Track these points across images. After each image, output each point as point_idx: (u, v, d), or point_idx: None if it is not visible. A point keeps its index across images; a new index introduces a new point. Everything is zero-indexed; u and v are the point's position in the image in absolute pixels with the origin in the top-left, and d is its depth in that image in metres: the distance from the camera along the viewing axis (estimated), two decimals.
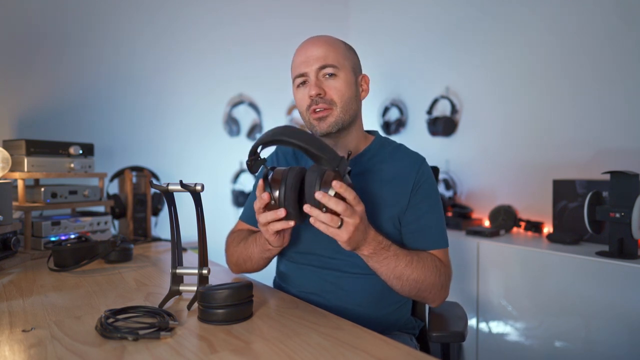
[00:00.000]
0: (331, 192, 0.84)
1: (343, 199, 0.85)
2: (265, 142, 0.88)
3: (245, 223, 1.24)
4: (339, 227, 0.86)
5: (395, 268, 0.98)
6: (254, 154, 0.90)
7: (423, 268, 1.00)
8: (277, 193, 0.88)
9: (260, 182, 0.91)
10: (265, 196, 0.89)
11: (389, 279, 1.00)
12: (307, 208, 0.85)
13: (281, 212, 0.88)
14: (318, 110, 1.05)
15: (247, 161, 0.91)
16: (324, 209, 0.85)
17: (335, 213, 0.85)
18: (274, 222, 0.91)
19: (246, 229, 1.23)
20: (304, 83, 1.08)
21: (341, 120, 1.06)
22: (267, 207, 0.90)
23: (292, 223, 0.90)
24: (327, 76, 1.05)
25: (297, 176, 0.88)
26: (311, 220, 0.86)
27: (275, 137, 0.87)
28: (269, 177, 0.90)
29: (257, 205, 0.91)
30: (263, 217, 0.91)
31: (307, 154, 0.87)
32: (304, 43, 1.10)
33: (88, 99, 2.06)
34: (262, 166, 0.93)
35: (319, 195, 0.83)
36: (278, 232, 0.96)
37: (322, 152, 0.85)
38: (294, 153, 1.21)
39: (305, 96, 1.07)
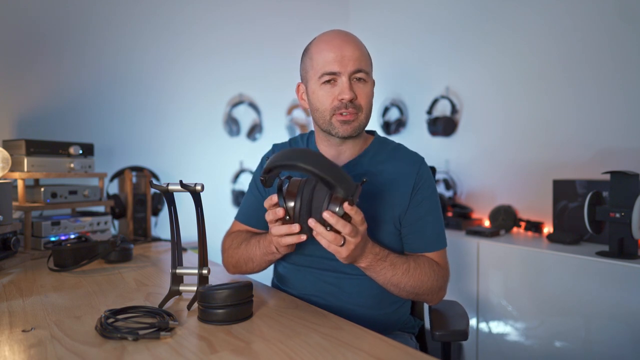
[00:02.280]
0: (340, 212, 0.83)
1: (349, 218, 0.85)
2: (281, 166, 0.85)
3: (241, 224, 1.22)
4: (341, 245, 0.86)
5: (392, 277, 0.99)
6: (268, 172, 0.87)
7: (420, 274, 1.01)
8: (291, 204, 0.87)
9: (275, 197, 0.89)
10: (280, 212, 0.88)
11: (386, 286, 1.01)
12: (312, 223, 0.85)
13: (295, 228, 0.87)
14: (345, 113, 1.02)
15: (261, 177, 0.88)
16: (329, 227, 0.85)
17: (338, 231, 0.85)
18: (286, 238, 0.90)
19: (244, 229, 1.21)
20: (330, 81, 1.03)
21: (363, 126, 1.06)
22: (280, 220, 0.90)
23: (304, 237, 0.89)
24: (356, 80, 1.03)
25: (312, 190, 0.87)
26: (314, 233, 0.86)
27: (292, 161, 0.83)
28: (284, 188, 0.88)
29: (270, 218, 0.90)
30: (277, 230, 0.90)
31: (321, 181, 0.83)
32: (334, 39, 1.04)
33: (88, 99, 2.06)
34: (276, 178, 0.91)
35: (326, 215, 0.83)
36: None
37: (339, 182, 0.82)
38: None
39: (332, 96, 1.03)
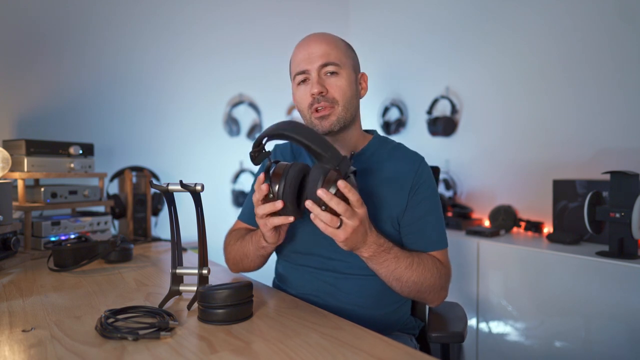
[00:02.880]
0: (332, 190, 0.83)
1: (346, 199, 0.85)
2: (269, 135, 0.88)
3: (243, 223, 1.24)
4: (338, 227, 0.86)
5: (395, 270, 0.98)
6: (258, 145, 0.90)
7: (423, 270, 1.00)
8: (276, 187, 0.87)
9: (262, 174, 0.90)
10: (264, 187, 0.89)
11: (389, 280, 1.00)
12: (308, 204, 0.85)
13: (279, 204, 0.87)
14: (320, 108, 1.04)
15: (251, 152, 0.91)
16: (324, 207, 0.84)
17: (335, 213, 0.85)
18: (273, 217, 0.91)
19: (244, 227, 1.23)
20: (304, 81, 1.07)
21: (343, 119, 1.06)
22: (266, 200, 0.90)
23: (291, 219, 0.89)
24: (329, 74, 1.05)
25: (298, 172, 0.88)
26: (311, 216, 0.86)
27: (279, 130, 0.86)
28: (271, 170, 0.90)
29: (256, 197, 0.91)
30: (261, 209, 0.90)
31: (308, 151, 0.86)
32: (305, 40, 1.09)
33: (88, 99, 2.06)
34: (265, 159, 0.93)
35: (320, 192, 0.82)
36: (276, 228, 0.96)
37: (323, 150, 0.84)
38: (292, 152, 1.21)
39: (306, 94, 1.06)
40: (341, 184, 0.83)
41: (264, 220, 0.93)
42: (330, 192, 0.83)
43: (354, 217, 0.85)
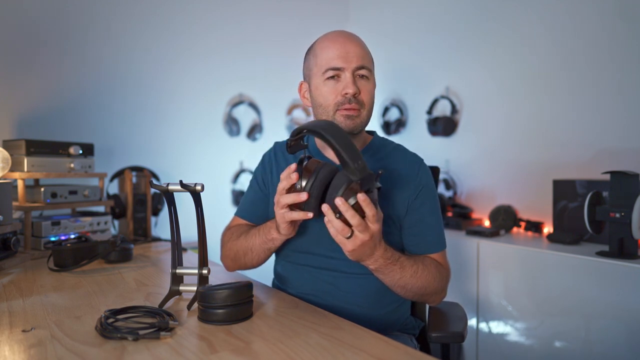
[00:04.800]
0: (352, 201, 0.83)
1: (363, 212, 0.84)
2: (309, 129, 0.87)
3: (242, 219, 1.22)
4: (349, 237, 0.85)
5: (400, 279, 0.98)
6: (296, 134, 0.90)
7: (428, 275, 1.01)
8: (304, 182, 0.88)
9: (293, 164, 0.90)
10: (294, 176, 0.88)
11: (393, 287, 1.01)
12: (325, 207, 0.85)
13: (304, 196, 0.87)
14: (349, 108, 1.04)
15: (289, 140, 0.91)
16: (338, 215, 0.84)
17: (348, 223, 0.84)
18: (292, 212, 0.91)
19: (244, 224, 1.22)
20: (334, 77, 1.05)
21: (365, 123, 1.07)
22: (290, 190, 0.90)
23: (310, 215, 0.89)
24: (360, 77, 1.05)
25: (329, 173, 0.88)
26: (325, 220, 0.86)
27: (317, 128, 0.85)
28: (304, 163, 0.90)
29: (282, 185, 0.90)
30: (284, 198, 0.90)
31: (337, 156, 0.83)
32: (339, 37, 1.07)
33: (88, 99, 2.06)
34: (302, 150, 0.93)
35: (338, 201, 0.82)
36: (292, 222, 0.96)
37: (352, 160, 0.82)
38: (294, 156, 1.21)
39: (335, 91, 1.04)
40: (361, 196, 0.82)
41: (282, 212, 0.92)
42: (349, 202, 0.83)
43: (365, 232, 0.85)
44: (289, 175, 0.89)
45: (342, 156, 0.82)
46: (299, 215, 0.90)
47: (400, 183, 1.08)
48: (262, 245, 1.06)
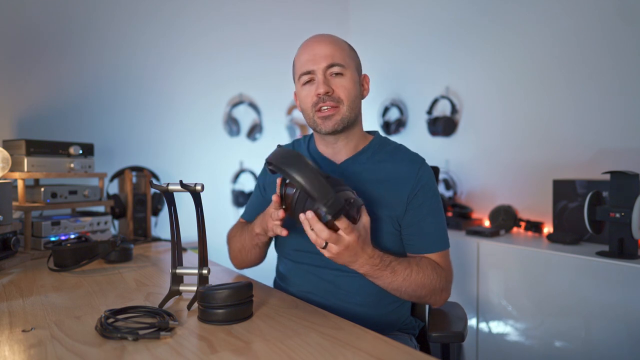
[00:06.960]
0: (325, 216, 0.85)
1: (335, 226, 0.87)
2: (274, 166, 0.88)
3: (245, 221, 1.28)
4: (324, 247, 0.89)
5: (391, 283, 1.00)
6: (267, 163, 0.92)
7: (422, 278, 1.01)
8: (290, 194, 0.92)
9: (279, 180, 0.95)
10: (274, 198, 0.95)
11: (387, 289, 1.03)
12: (301, 217, 0.88)
13: (280, 213, 0.97)
14: (325, 108, 1.05)
15: (268, 166, 0.94)
16: (311, 227, 0.87)
17: None
18: (274, 225, 1.00)
19: (244, 223, 1.28)
20: (309, 81, 1.08)
21: (347, 119, 1.07)
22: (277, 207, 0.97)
23: (285, 233, 1.00)
24: (334, 75, 1.06)
25: (303, 199, 0.91)
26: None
27: (282, 166, 0.85)
28: (287, 181, 0.95)
29: (272, 206, 0.99)
30: (274, 214, 0.99)
31: (307, 195, 0.85)
32: (309, 41, 1.10)
33: (88, 99, 2.06)
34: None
35: (301, 217, 0.87)
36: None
37: (322, 198, 0.82)
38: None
39: (311, 94, 1.07)
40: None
41: (271, 223, 1.02)
42: (323, 217, 0.86)
43: (339, 242, 0.88)
44: (275, 197, 0.96)
45: (312, 196, 0.84)
46: (277, 230, 1.01)
47: (399, 183, 1.08)
48: (250, 241, 1.15)
